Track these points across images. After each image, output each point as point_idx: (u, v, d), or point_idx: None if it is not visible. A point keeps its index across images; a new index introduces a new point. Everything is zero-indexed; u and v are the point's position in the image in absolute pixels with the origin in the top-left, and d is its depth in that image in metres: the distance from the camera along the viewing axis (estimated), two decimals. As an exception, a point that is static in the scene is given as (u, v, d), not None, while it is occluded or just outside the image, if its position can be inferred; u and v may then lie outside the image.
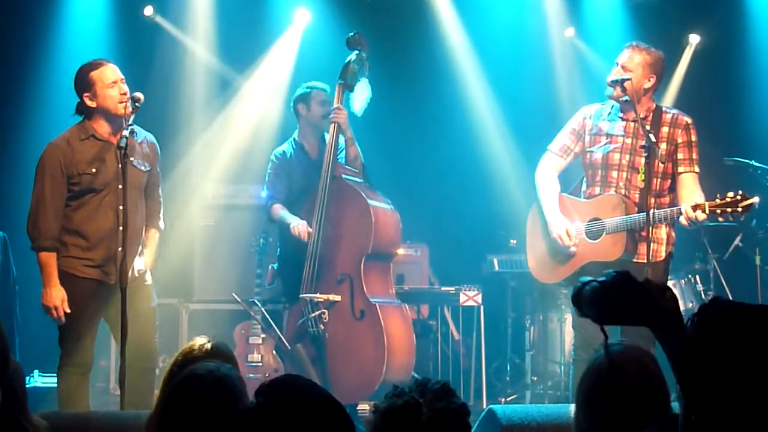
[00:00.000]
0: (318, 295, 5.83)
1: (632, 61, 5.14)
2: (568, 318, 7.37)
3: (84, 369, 5.07)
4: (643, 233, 5.05)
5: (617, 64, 5.19)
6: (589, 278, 2.22)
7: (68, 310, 4.97)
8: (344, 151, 6.13)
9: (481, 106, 7.94)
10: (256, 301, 6.61)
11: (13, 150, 7.12)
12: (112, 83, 5.00)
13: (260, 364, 6.73)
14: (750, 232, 7.00)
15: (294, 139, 6.37)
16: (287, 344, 5.96)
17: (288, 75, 7.67)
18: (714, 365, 1.81)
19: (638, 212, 5.01)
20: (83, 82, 5.03)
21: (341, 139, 6.10)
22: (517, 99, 7.82)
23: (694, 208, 4.85)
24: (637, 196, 5.13)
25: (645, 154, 4.91)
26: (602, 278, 2.18)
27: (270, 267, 6.67)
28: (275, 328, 6.19)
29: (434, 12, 7.79)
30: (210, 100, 7.72)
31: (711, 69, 8.01)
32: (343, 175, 5.99)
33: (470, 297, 6.94)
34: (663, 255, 5.21)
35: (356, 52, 5.99)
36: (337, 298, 5.82)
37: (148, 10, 7.52)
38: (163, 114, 7.29)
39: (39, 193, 5.02)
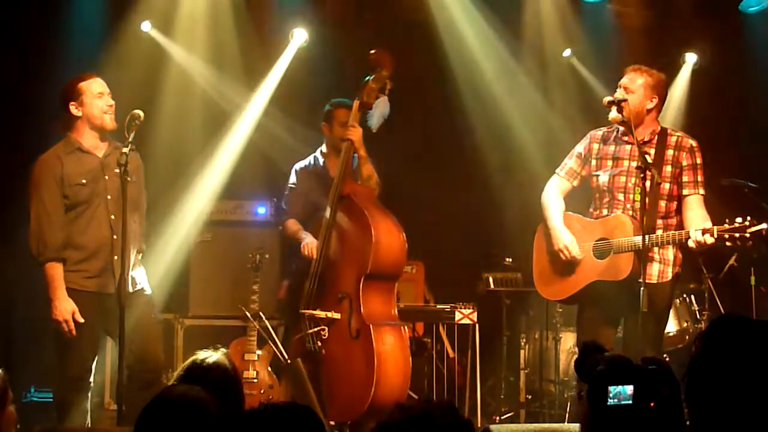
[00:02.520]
0: (317, 311, 5.83)
1: (633, 83, 5.21)
2: (563, 336, 7.38)
3: (84, 384, 5.08)
4: (651, 254, 5.11)
5: (620, 86, 5.24)
6: (591, 346, 2.22)
7: (81, 320, 4.97)
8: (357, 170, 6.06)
9: (477, 126, 7.96)
10: (261, 314, 6.60)
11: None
12: (99, 94, 5.12)
13: (255, 380, 6.73)
14: (744, 252, 7.02)
15: (317, 154, 6.35)
16: (286, 358, 5.95)
17: (284, 92, 7.68)
18: (722, 380, 1.81)
19: (648, 232, 5.01)
20: (71, 92, 5.15)
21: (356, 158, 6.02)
22: (513, 119, 7.85)
23: (703, 232, 4.91)
24: (672, 221, 5.21)
25: (641, 176, 4.94)
26: (601, 367, 2.16)
27: (283, 282, 6.66)
28: (276, 340, 6.18)
29: (431, 32, 7.79)
30: (207, 117, 7.73)
31: (709, 88, 8.04)
32: (353, 195, 5.92)
33: (465, 315, 6.95)
34: (669, 276, 5.26)
35: (376, 69, 5.91)
36: (337, 315, 5.81)
37: (145, 26, 7.53)
38: (159, 131, 7.29)
39: (39, 207, 5.06)
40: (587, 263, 5.28)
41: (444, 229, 7.95)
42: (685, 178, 5.23)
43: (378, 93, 5.91)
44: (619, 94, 5.21)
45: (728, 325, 1.89)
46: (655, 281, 5.14)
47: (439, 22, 7.73)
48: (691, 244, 4.99)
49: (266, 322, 6.45)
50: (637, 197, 5.12)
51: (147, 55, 7.48)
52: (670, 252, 5.25)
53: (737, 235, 4.85)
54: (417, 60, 7.82)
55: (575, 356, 7.36)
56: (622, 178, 5.28)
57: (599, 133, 5.45)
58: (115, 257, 5.00)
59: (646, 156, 5.01)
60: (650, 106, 5.23)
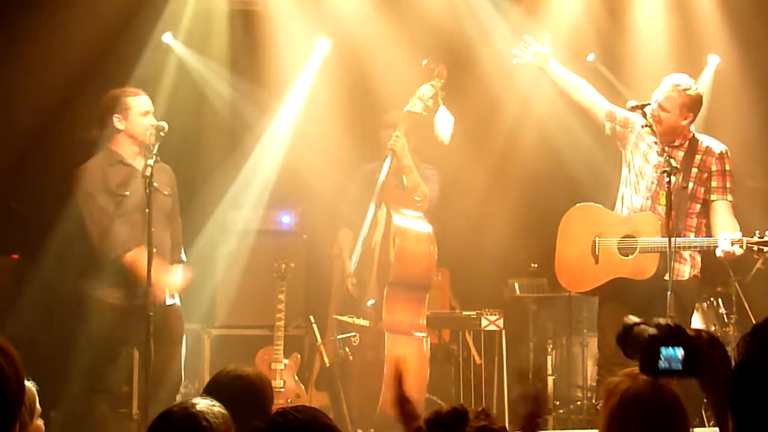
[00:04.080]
0: (346, 317, 5.86)
1: (670, 102, 5.25)
2: (591, 342, 7.35)
3: (112, 396, 5.13)
4: (677, 255, 5.15)
5: (655, 101, 5.27)
6: (636, 320, 2.21)
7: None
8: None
9: (502, 131, 7.93)
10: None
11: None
12: (145, 112, 5.16)
13: (282, 389, 6.74)
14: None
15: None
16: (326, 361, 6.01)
17: (309, 102, 7.69)
18: (765, 387, 1.78)
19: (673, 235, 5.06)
20: (117, 104, 5.24)
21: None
22: (536, 124, 7.82)
23: (732, 243, 4.97)
24: (693, 222, 5.27)
25: (666, 180, 4.96)
26: (652, 330, 2.15)
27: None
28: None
29: (459, 39, 7.77)
30: (232, 126, 7.75)
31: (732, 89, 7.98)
32: (388, 203, 5.96)
33: (492, 321, 6.93)
34: (686, 275, 5.28)
35: (430, 83, 5.96)
36: (365, 322, 5.82)
37: (167, 37, 7.57)
38: (184, 140, 7.32)
39: (97, 211, 5.14)
40: (612, 258, 5.31)
41: (469, 236, 7.92)
42: (713, 183, 5.27)
43: (430, 102, 5.92)
44: (655, 110, 5.25)
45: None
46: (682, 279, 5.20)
47: (469, 30, 7.71)
48: (719, 253, 5.04)
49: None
50: (662, 201, 5.13)
51: (167, 65, 7.50)
52: (686, 252, 5.27)
53: (766, 249, 4.91)
54: (455, 70, 7.81)
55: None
56: (649, 178, 5.33)
57: (639, 128, 5.45)
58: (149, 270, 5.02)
59: (672, 160, 5.02)
60: (685, 123, 5.30)
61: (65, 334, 5.06)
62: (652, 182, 5.32)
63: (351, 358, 5.90)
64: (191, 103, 7.60)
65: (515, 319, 7.33)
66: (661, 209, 5.18)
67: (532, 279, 7.70)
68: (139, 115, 5.26)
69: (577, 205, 5.71)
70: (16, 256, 6.80)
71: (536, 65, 5.85)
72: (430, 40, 7.48)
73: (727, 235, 5.04)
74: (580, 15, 7.79)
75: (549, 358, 7.49)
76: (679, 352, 2.13)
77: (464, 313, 7.16)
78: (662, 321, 2.19)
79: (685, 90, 5.27)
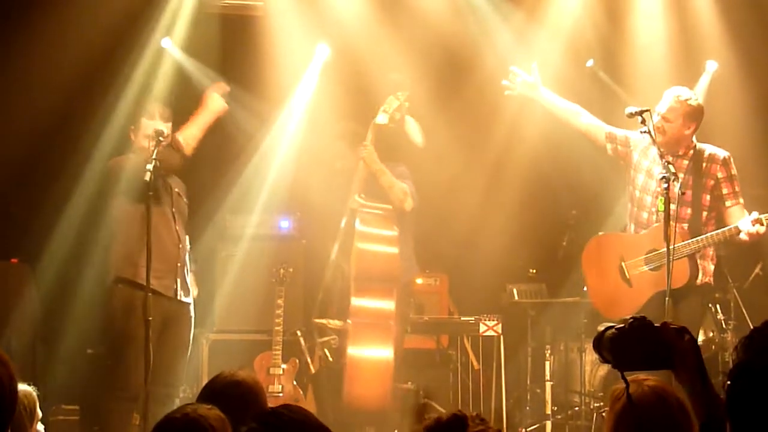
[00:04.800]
0: (323, 320, 5.98)
1: (672, 112, 5.42)
2: (588, 348, 7.34)
3: (133, 395, 5.19)
4: (699, 260, 5.39)
5: (658, 113, 5.43)
6: (609, 324, 2.24)
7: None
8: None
9: (501, 136, 7.94)
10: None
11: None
12: (148, 137, 5.33)
13: (281, 394, 6.74)
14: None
15: None
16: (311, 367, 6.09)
17: (309, 108, 7.69)
18: (764, 389, 1.79)
19: (681, 240, 5.21)
20: (136, 119, 5.66)
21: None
22: (536, 129, 7.82)
23: (753, 222, 5.16)
24: (685, 226, 5.38)
25: (665, 186, 4.99)
26: (620, 325, 2.19)
27: None
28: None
29: (459, 44, 7.78)
30: (231, 131, 7.75)
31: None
32: (362, 209, 6.17)
33: (490, 327, 6.93)
34: (699, 282, 5.43)
35: (395, 95, 6.24)
36: (339, 323, 5.97)
37: (166, 42, 7.57)
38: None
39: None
40: (643, 277, 5.43)
41: (468, 241, 7.94)
42: (724, 191, 5.42)
43: (397, 115, 6.21)
44: (658, 122, 5.39)
45: (766, 335, 1.87)
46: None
47: (469, 34, 7.72)
48: (743, 236, 5.21)
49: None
50: (661, 207, 5.17)
51: (166, 70, 7.50)
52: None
53: None
54: (455, 75, 7.83)
55: (600, 367, 7.38)
56: (653, 192, 5.50)
57: (639, 142, 5.63)
58: (179, 264, 5.46)
59: (670, 166, 5.06)
60: (688, 132, 5.47)
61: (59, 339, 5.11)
62: (656, 196, 5.44)
63: (331, 360, 6.00)
64: (190, 109, 7.59)
65: (514, 325, 7.33)
66: (685, 215, 5.37)
67: (530, 285, 7.70)
68: (143, 137, 5.53)
69: (592, 239, 5.90)
70: (15, 261, 6.81)
71: (526, 95, 6.04)
72: (430, 44, 7.50)
73: (746, 218, 5.23)
74: (579, 20, 7.80)
75: (547, 363, 7.49)
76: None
77: (462, 318, 7.16)
78: (628, 317, 2.21)
79: (686, 100, 5.44)
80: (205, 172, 7.44)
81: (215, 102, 5.78)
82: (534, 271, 7.74)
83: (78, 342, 6.79)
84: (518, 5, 7.78)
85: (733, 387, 1.84)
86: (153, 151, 5.08)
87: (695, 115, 5.47)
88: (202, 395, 3.24)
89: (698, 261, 5.41)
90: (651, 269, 5.44)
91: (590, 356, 7.44)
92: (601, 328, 2.26)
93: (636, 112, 5.24)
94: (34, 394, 3.00)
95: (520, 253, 7.90)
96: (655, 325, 2.18)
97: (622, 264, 5.57)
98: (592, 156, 7.66)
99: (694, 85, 7.76)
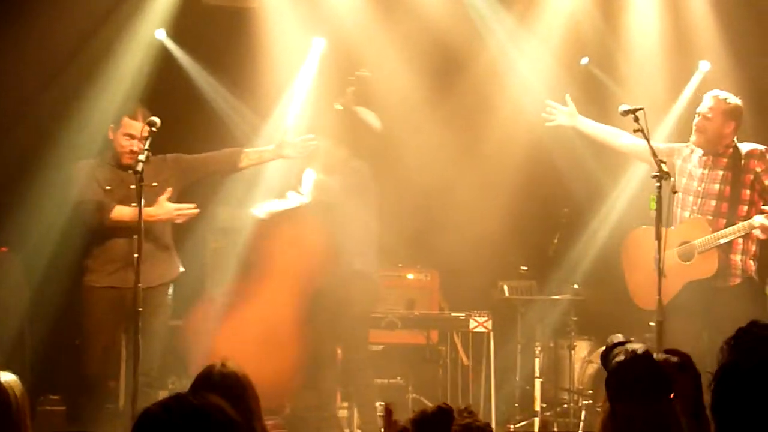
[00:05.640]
0: None
1: (712, 111, 5.71)
2: (578, 345, 7.38)
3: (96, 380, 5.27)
4: (730, 254, 5.64)
5: (698, 114, 5.76)
6: (620, 340, 2.23)
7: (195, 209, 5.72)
8: None
9: (494, 133, 7.94)
10: None
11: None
12: (130, 136, 5.33)
13: None
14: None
15: None
16: None
17: (301, 100, 7.67)
18: (749, 389, 1.79)
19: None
20: (116, 119, 5.68)
21: None
22: (528, 126, 7.83)
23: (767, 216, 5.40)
24: (723, 221, 5.66)
25: (657, 184, 5.00)
26: (620, 357, 2.17)
27: None
28: None
29: (453, 40, 7.77)
30: (224, 123, 7.73)
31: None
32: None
33: (480, 323, 6.94)
34: (738, 280, 5.67)
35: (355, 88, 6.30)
36: None
37: (160, 33, 7.54)
38: (175, 135, 7.30)
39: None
40: (676, 268, 5.68)
41: (459, 237, 7.93)
42: (766, 182, 5.64)
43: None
44: (699, 122, 5.72)
45: (758, 333, 1.87)
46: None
47: (463, 31, 7.71)
48: (756, 232, 5.47)
49: None
50: (653, 206, 5.19)
51: (159, 61, 7.47)
52: (737, 257, 5.68)
53: None
54: (446, 77, 7.81)
55: (590, 365, 7.39)
56: (693, 192, 5.78)
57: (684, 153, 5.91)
58: (135, 255, 5.28)
59: (663, 165, 5.08)
60: (728, 130, 5.71)
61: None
62: (698, 196, 5.73)
63: None
64: (183, 99, 7.58)
65: (503, 321, 7.33)
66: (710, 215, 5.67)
67: (521, 281, 7.70)
68: (122, 137, 5.60)
69: (629, 234, 6.16)
70: (4, 249, 6.78)
71: (567, 125, 6.30)
72: (425, 41, 7.49)
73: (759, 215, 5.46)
74: (573, 18, 7.81)
75: (536, 360, 7.48)
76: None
77: (453, 314, 7.17)
78: (635, 347, 2.19)
79: (725, 99, 5.74)
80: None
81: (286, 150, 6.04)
82: (525, 268, 7.74)
83: (66, 332, 6.76)
84: (513, 2, 7.78)
85: (718, 387, 1.84)
86: (146, 141, 5.07)
87: (734, 113, 5.72)
88: (195, 386, 3.23)
89: (730, 256, 5.64)
90: (683, 261, 5.71)
91: (579, 354, 7.46)
92: (611, 340, 2.25)
93: (629, 110, 5.26)
94: (22, 390, 2.99)
95: (512, 250, 7.90)
96: (657, 358, 2.17)
97: (656, 256, 5.67)
98: (583, 156, 7.69)
99: (686, 84, 7.81)
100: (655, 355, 2.19)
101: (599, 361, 2.27)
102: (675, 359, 2.21)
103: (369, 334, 6.53)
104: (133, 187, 5.27)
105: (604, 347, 2.27)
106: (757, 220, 5.42)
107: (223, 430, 1.94)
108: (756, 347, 1.84)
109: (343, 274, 6.09)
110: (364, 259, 6.26)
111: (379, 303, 6.80)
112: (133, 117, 5.59)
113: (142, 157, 4.96)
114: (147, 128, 5.19)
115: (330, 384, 6.39)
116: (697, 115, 5.76)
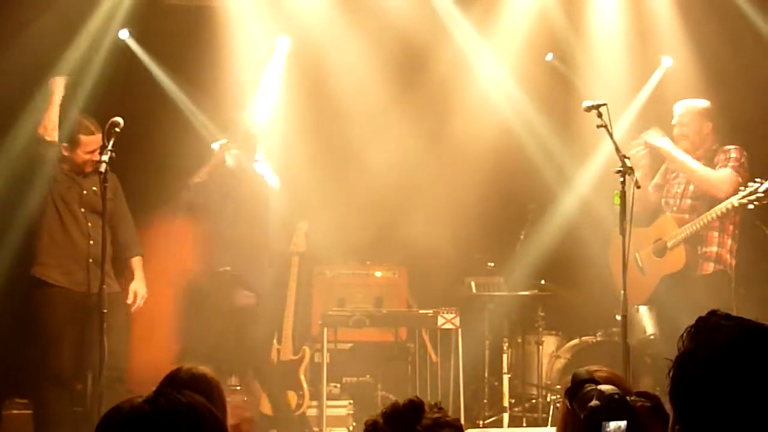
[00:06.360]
0: None
1: (687, 116, 6.19)
2: (546, 340, 7.41)
3: (62, 381, 5.22)
4: (704, 248, 6.00)
5: (674, 126, 6.18)
6: (585, 376, 2.23)
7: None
8: None
9: (460, 130, 7.95)
10: None
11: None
12: (92, 151, 5.34)
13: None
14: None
15: None
16: None
17: (274, 99, 7.65)
18: (705, 377, 1.82)
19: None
20: (71, 138, 5.70)
21: None
22: (495, 122, 7.86)
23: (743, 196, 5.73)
24: (686, 216, 6.08)
25: (621, 180, 5.02)
26: (595, 403, 2.16)
27: None
28: None
29: (418, 32, 7.77)
30: (190, 122, 7.68)
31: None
32: None
33: (448, 320, 6.94)
34: (711, 269, 5.99)
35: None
36: None
37: (123, 33, 7.48)
38: (139, 136, 7.25)
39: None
40: (653, 264, 6.15)
41: (426, 234, 7.94)
42: (714, 160, 6.04)
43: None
44: (679, 130, 6.16)
45: (716, 322, 1.90)
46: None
47: (428, 28, 7.72)
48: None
49: None
50: (617, 201, 5.18)
51: (123, 62, 7.41)
52: (713, 247, 6.00)
53: (753, 197, 5.63)
54: (410, 73, 7.82)
55: (557, 360, 7.45)
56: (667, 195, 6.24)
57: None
58: (90, 260, 5.45)
59: (626, 161, 5.09)
60: (707, 130, 6.15)
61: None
62: (677, 197, 6.16)
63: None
64: (147, 98, 7.52)
65: (472, 318, 7.34)
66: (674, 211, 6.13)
67: (488, 278, 7.72)
68: (86, 153, 5.66)
69: (614, 237, 6.17)
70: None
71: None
72: (389, 37, 7.49)
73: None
74: (536, 15, 7.84)
75: (505, 356, 7.51)
76: (622, 425, 2.13)
77: (421, 311, 7.17)
78: (607, 390, 2.19)
79: (694, 104, 6.20)
80: (169, 178, 7.33)
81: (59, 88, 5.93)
82: (492, 264, 7.77)
83: (28, 330, 6.69)
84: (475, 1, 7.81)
85: (677, 374, 1.86)
86: (110, 142, 5.03)
87: (707, 113, 6.16)
88: (164, 386, 3.21)
89: (704, 249, 5.98)
90: (657, 257, 6.14)
91: (547, 349, 7.49)
92: (578, 375, 2.24)
93: (592, 106, 5.26)
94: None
95: (479, 247, 7.92)
96: (631, 403, 2.16)
97: (636, 255, 6.20)
98: (550, 151, 7.73)
99: (647, 80, 7.87)
100: (628, 398, 2.19)
101: (565, 391, 2.25)
102: (648, 404, 2.23)
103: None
104: (85, 192, 5.56)
105: (570, 381, 2.25)
106: (719, 207, 5.80)
107: (210, 426, 1.95)
108: (714, 336, 1.86)
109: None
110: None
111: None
112: (89, 133, 5.67)
113: (105, 158, 4.93)
114: (111, 129, 5.11)
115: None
116: (674, 128, 6.18)
